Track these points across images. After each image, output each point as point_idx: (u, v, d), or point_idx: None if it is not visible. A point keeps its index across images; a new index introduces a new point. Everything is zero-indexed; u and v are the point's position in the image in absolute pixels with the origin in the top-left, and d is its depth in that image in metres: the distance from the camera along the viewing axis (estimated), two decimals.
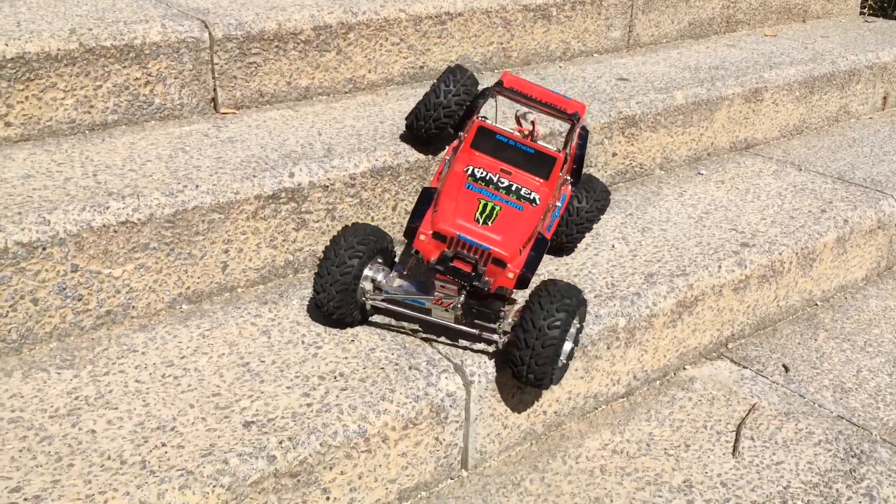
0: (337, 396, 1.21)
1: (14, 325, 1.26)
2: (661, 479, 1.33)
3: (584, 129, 1.49)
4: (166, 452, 1.08)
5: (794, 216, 1.86)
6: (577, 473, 1.34)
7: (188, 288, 1.43)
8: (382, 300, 1.32)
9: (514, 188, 1.34)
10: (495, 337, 1.28)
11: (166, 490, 1.02)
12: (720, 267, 1.63)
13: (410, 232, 1.29)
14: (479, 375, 1.29)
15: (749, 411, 1.49)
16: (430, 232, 1.27)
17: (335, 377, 1.24)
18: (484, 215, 1.29)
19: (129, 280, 1.36)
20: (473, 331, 1.30)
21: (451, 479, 1.32)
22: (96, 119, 1.64)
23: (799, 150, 2.32)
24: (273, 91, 1.84)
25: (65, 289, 1.29)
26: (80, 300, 1.31)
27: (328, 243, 1.33)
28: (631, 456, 1.38)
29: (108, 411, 1.15)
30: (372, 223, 1.62)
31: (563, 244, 1.59)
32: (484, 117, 1.48)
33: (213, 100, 1.77)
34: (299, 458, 1.12)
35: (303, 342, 1.33)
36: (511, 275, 1.26)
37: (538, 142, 1.44)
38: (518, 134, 1.45)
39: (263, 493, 1.10)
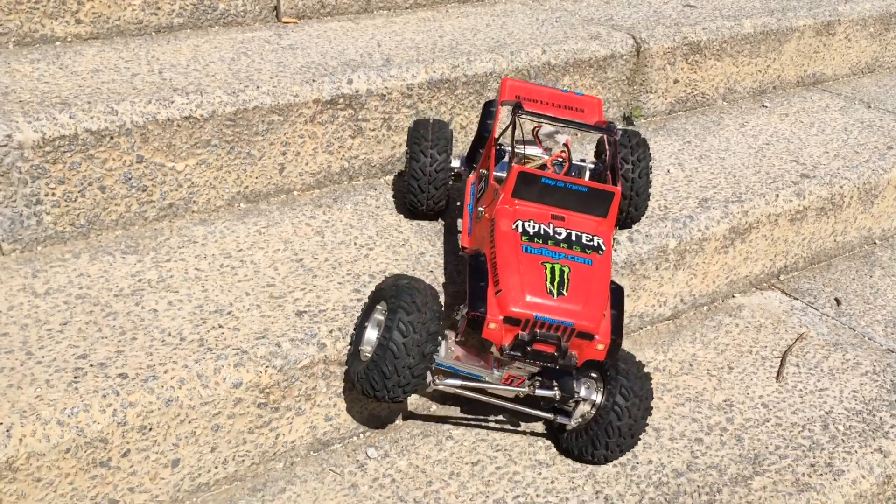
0: None
1: (83, 210, 1.32)
2: (701, 397, 1.34)
3: (613, 127, 1.29)
4: (223, 333, 1.13)
5: (859, 151, 1.81)
6: None
7: (246, 187, 1.47)
8: (448, 383, 1.13)
9: (574, 237, 1.14)
10: (568, 421, 1.18)
11: (222, 366, 1.07)
12: (777, 196, 1.60)
13: (476, 322, 1.07)
14: None
15: (796, 340, 1.48)
16: (501, 317, 1.07)
17: (386, 276, 1.27)
18: (556, 283, 1.09)
19: (191, 175, 1.40)
20: (548, 415, 1.19)
21: None
22: (162, 21, 1.67)
23: (869, 88, 2.24)
24: (334, 3, 1.84)
25: (130, 178, 1.34)
26: (144, 191, 1.36)
27: (385, 318, 1.08)
28: (673, 374, 1.39)
29: (168, 294, 1.20)
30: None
31: (631, 220, 1.44)
32: (499, 144, 1.33)
33: (276, 8, 1.78)
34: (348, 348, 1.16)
35: (355, 243, 1.36)
36: (601, 346, 1.09)
37: (577, 167, 1.31)
38: (545, 156, 1.31)
39: (313, 377, 1.14)
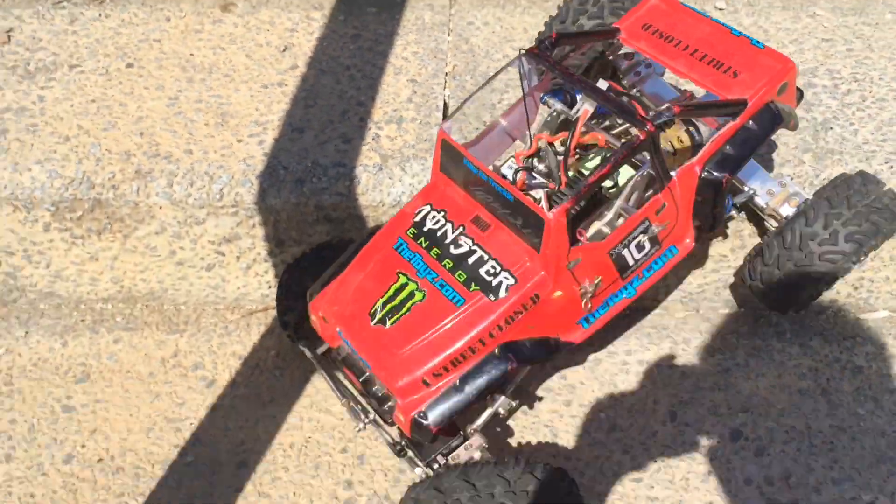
0: None
1: None
2: None
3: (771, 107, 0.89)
4: None
5: None
6: None
7: None
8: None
9: (472, 260, 0.80)
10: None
11: None
12: None
13: (308, 298, 0.89)
14: None
15: None
16: (320, 314, 0.86)
17: None
18: (387, 307, 0.80)
19: None
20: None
21: None
22: None
23: None
24: None
25: None
26: None
27: None
28: None
29: None
30: None
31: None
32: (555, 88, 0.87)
33: None
34: None
35: None
36: (402, 416, 0.80)
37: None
38: (603, 136, 0.85)
39: None
